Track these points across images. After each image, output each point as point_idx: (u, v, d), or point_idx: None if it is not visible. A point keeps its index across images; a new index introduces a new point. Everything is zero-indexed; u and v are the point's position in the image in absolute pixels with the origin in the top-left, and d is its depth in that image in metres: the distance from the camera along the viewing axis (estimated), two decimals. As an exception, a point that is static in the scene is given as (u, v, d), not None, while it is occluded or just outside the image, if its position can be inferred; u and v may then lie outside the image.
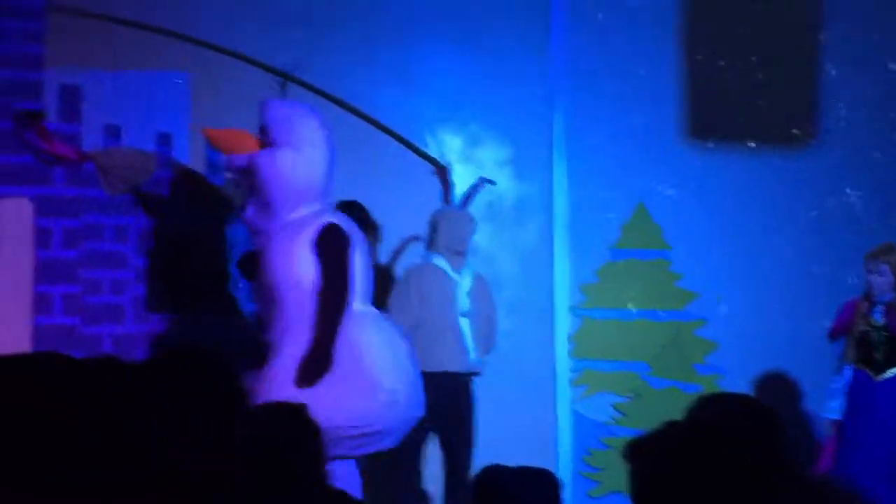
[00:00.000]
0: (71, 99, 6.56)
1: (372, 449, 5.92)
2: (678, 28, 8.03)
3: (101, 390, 2.72)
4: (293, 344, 5.78)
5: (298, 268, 5.81)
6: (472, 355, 7.07)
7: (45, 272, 6.41)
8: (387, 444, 5.94)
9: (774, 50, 8.06)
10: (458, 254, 7.16)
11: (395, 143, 7.80)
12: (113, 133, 6.72)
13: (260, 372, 5.77)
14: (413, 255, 7.57)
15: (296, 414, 3.35)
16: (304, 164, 5.94)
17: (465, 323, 7.09)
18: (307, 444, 3.33)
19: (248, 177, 6.01)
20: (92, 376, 2.75)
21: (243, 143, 6.04)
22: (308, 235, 5.83)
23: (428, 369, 6.50)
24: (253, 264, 6.06)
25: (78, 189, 6.52)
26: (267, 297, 5.92)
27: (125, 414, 2.70)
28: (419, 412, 6.00)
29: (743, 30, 8.06)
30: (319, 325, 5.77)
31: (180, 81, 7.55)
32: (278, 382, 5.71)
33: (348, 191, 7.62)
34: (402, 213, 7.66)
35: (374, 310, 6.04)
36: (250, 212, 6.02)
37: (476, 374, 7.13)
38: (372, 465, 6.57)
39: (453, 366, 6.99)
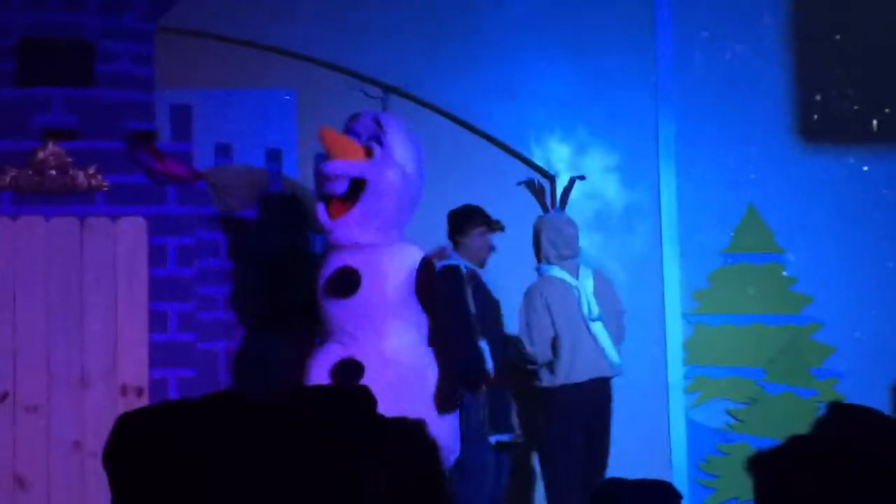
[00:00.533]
0: (182, 118, 6.63)
1: None
2: (788, 28, 7.93)
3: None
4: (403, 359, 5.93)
5: (395, 291, 5.96)
6: (612, 358, 6.94)
7: (160, 290, 6.49)
8: None
9: (887, 51, 7.93)
10: (569, 258, 7.03)
11: (502, 154, 7.80)
12: (224, 151, 6.78)
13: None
14: (522, 266, 7.55)
15: (413, 430, 3.32)
16: (411, 183, 6.01)
17: (597, 327, 6.92)
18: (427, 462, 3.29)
19: (350, 186, 5.98)
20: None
21: (353, 151, 6.03)
22: (399, 260, 6.01)
23: (572, 380, 6.62)
24: (343, 281, 6.01)
25: (191, 207, 6.59)
26: (355, 313, 5.94)
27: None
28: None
29: (854, 30, 7.94)
30: (448, 355, 6.07)
31: (288, 98, 7.63)
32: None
33: (455, 202, 7.65)
34: (509, 224, 7.65)
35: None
36: (348, 223, 5.98)
37: (617, 375, 7.02)
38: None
39: (595, 372, 6.86)
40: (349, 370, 5.86)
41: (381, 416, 2.88)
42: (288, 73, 7.63)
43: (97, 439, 6.30)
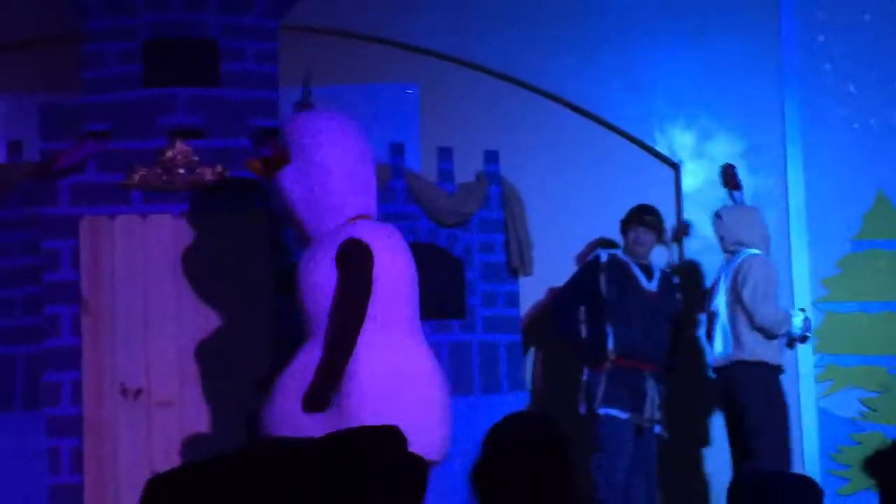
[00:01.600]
0: (305, 115, 6.67)
1: None
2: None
3: None
4: (303, 359, 5.52)
5: (322, 284, 5.50)
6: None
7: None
8: None
9: None
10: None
11: (626, 143, 7.75)
12: (347, 146, 6.81)
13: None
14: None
15: (545, 425, 3.31)
16: (313, 178, 5.66)
17: None
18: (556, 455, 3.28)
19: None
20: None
21: (278, 165, 5.75)
22: (331, 251, 5.51)
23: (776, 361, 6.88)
24: (288, 279, 5.85)
25: (315, 203, 6.63)
26: (299, 312, 5.69)
27: None
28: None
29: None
30: (327, 348, 5.42)
31: (410, 92, 7.65)
32: (280, 399, 5.49)
33: (581, 192, 7.61)
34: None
35: (399, 331, 5.56)
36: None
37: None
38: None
39: (781, 357, 7.05)
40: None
41: (407, 455, 2.88)
42: (410, 67, 7.65)
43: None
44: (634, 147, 7.76)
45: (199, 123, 6.61)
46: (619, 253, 7.04)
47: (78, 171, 6.52)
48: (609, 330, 6.82)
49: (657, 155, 7.76)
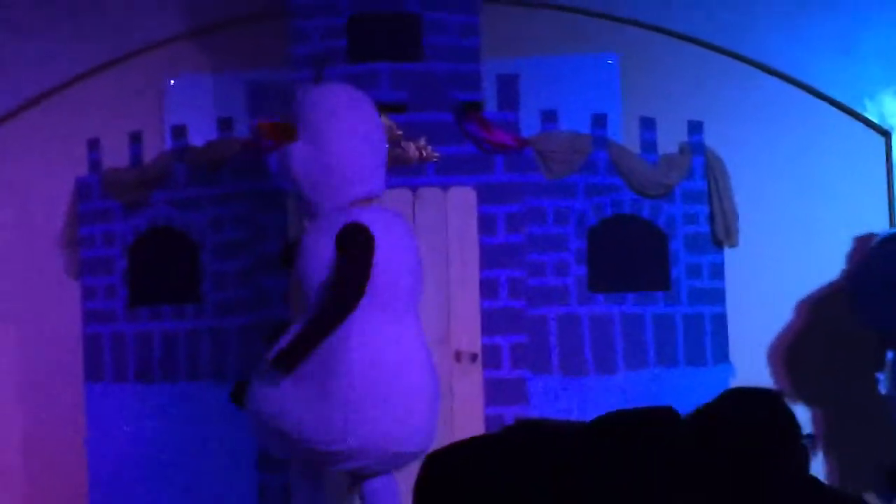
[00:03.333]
0: (508, 87, 6.69)
1: (339, 467, 5.50)
2: None
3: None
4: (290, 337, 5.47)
5: (320, 264, 5.44)
6: None
7: (491, 258, 6.58)
8: (352, 465, 5.47)
9: None
10: None
11: (834, 111, 7.58)
12: (549, 118, 6.82)
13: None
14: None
15: (773, 400, 3.25)
16: (320, 156, 5.57)
17: None
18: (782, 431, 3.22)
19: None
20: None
21: (287, 135, 5.67)
22: (332, 232, 5.44)
23: None
24: (291, 254, 5.74)
25: (518, 175, 6.65)
26: (298, 289, 5.64)
27: None
28: (399, 446, 5.45)
29: None
30: (312, 320, 5.39)
31: (611, 62, 7.60)
32: (265, 374, 5.47)
33: (787, 162, 7.48)
34: (843, 184, 7.46)
35: (394, 319, 5.51)
36: (297, 205, 5.78)
37: None
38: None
39: None
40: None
41: (685, 434, 2.84)
42: (611, 37, 7.60)
43: (434, 404, 6.46)
44: (843, 115, 7.59)
45: (402, 98, 6.68)
46: None
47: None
48: None
49: (867, 122, 7.57)
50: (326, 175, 5.57)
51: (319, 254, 5.47)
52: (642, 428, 2.84)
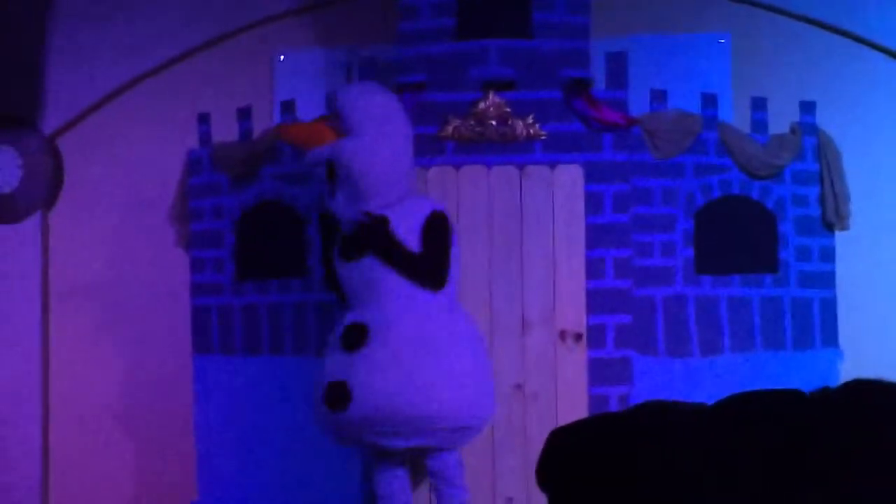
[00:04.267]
0: (617, 65, 6.65)
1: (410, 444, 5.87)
2: None
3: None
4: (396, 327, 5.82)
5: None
6: None
7: (597, 237, 6.55)
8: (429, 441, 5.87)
9: None
10: None
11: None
12: (658, 97, 6.76)
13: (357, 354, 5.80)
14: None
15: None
16: (384, 148, 5.90)
17: None
18: None
19: (333, 168, 5.94)
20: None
21: (321, 134, 5.99)
22: (416, 222, 5.88)
23: None
24: (357, 246, 5.94)
25: (626, 154, 6.61)
26: (364, 279, 5.88)
27: None
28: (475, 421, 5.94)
29: None
30: (413, 262, 5.85)
31: (722, 42, 7.52)
32: (383, 367, 5.77)
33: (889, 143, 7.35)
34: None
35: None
36: (338, 201, 5.94)
37: None
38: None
39: None
40: (355, 334, 5.84)
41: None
42: (722, 16, 7.51)
43: (537, 382, 6.47)
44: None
45: (511, 75, 6.66)
46: None
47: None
48: None
49: None
50: (392, 165, 5.92)
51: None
52: (772, 409, 2.81)
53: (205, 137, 7.21)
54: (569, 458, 2.72)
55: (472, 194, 6.57)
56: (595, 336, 6.51)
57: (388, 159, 5.92)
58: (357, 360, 5.79)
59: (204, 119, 7.22)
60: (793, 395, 2.85)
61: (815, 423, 2.67)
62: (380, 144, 5.91)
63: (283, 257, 6.90)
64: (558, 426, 2.86)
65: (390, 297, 5.85)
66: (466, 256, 6.42)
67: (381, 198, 5.91)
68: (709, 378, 6.62)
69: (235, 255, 7.05)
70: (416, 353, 5.77)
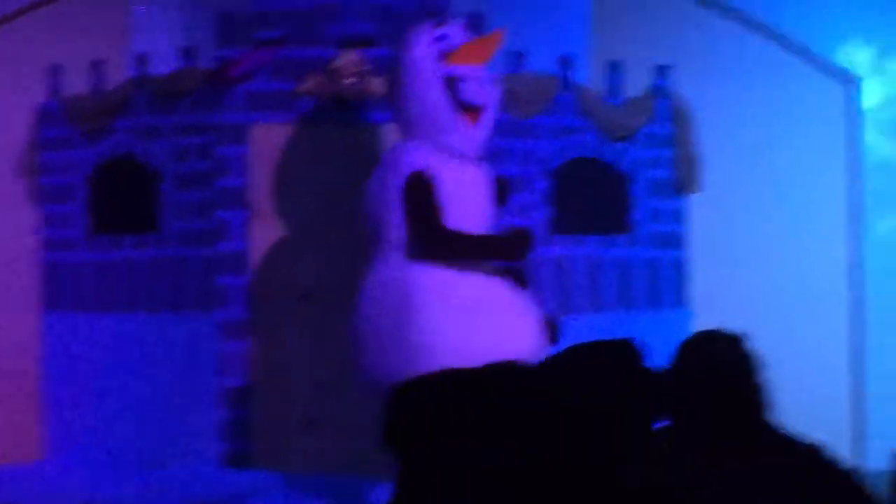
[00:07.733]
0: (476, 25, 6.64)
1: None
2: None
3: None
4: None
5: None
6: None
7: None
8: None
9: None
10: None
11: (801, 58, 7.56)
12: (516, 58, 6.78)
13: None
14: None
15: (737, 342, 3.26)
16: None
17: None
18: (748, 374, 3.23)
19: None
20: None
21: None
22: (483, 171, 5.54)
23: None
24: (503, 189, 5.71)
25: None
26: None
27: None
28: None
29: None
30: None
31: (582, 3, 7.56)
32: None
33: (752, 108, 7.47)
34: (807, 132, 7.46)
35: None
36: (475, 135, 5.54)
37: None
38: None
39: None
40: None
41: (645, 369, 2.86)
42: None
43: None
44: (810, 62, 7.57)
45: (368, 32, 6.63)
46: None
47: (250, 79, 6.59)
48: None
49: (833, 70, 7.55)
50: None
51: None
52: (605, 360, 2.87)
53: (55, 89, 7.06)
54: (416, 415, 2.73)
55: (328, 151, 6.54)
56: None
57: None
58: None
59: (55, 70, 7.07)
60: (622, 346, 2.92)
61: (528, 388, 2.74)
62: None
63: (137, 213, 6.80)
64: (401, 383, 2.85)
65: None
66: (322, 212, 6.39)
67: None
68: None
69: (88, 209, 6.93)
70: None
